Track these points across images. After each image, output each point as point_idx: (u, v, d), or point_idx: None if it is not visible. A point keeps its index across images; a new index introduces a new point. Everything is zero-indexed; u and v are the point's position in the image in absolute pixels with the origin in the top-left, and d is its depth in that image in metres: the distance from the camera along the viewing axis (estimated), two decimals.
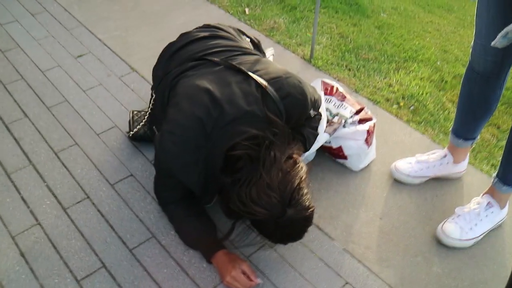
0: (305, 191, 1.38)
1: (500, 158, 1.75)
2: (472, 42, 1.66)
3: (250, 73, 1.53)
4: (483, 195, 1.83)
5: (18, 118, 2.14)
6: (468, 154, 2.01)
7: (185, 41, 1.72)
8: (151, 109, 1.83)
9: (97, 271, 1.58)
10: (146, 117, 1.93)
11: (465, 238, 1.75)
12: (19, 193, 1.81)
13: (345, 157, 1.99)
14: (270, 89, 1.50)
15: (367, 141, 1.95)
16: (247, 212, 1.35)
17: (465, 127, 1.88)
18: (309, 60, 2.68)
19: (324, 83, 2.10)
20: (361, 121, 2.00)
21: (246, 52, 1.69)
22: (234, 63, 1.58)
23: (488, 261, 1.74)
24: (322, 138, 1.89)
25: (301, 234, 1.46)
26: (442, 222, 1.80)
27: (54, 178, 1.87)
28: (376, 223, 1.83)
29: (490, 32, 1.53)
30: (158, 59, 1.76)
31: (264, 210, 1.32)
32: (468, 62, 1.74)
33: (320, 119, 1.80)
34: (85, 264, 1.60)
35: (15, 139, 2.03)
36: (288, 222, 1.35)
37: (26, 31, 2.75)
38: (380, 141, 2.14)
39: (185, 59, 1.63)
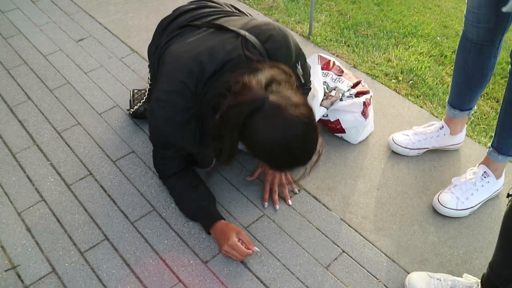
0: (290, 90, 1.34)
1: (496, 126, 1.77)
2: (465, 11, 1.67)
3: (230, 27, 1.52)
4: (478, 165, 1.84)
5: (22, 101, 2.18)
6: (465, 126, 2.03)
7: (175, 14, 1.74)
8: (149, 85, 1.87)
9: (100, 243, 1.63)
10: (146, 94, 1.97)
11: (461, 208, 1.78)
12: (24, 172, 1.86)
13: (343, 131, 2.01)
14: (250, 36, 1.48)
15: (364, 113, 1.97)
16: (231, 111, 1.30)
17: (461, 97, 1.89)
18: (308, 37, 2.70)
19: (321, 58, 2.12)
20: (358, 94, 2.02)
21: (229, 14, 1.69)
22: (216, 23, 1.58)
23: (484, 231, 1.77)
24: (319, 112, 1.92)
25: (306, 149, 1.33)
26: (439, 193, 1.83)
27: (58, 157, 1.92)
28: (373, 193, 1.86)
29: (481, 0, 1.55)
30: (152, 36, 1.79)
31: (245, 97, 1.28)
32: (462, 31, 1.74)
33: (308, 92, 1.82)
34: (89, 237, 1.65)
35: (19, 121, 2.08)
36: (275, 111, 1.26)
37: (28, 18, 2.78)
38: (378, 115, 2.17)
39: (173, 30, 1.66)
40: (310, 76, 1.82)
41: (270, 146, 1.28)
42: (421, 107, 2.27)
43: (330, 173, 1.92)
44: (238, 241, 1.56)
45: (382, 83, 2.39)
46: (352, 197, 1.83)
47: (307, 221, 1.74)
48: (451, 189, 1.81)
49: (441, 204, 1.78)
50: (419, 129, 2.03)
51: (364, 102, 1.97)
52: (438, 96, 2.36)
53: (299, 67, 1.65)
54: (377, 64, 2.53)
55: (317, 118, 1.94)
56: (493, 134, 2.16)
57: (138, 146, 1.97)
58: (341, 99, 1.97)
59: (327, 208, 1.79)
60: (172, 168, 1.70)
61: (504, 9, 1.29)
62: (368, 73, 2.45)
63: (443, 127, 1.98)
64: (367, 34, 2.82)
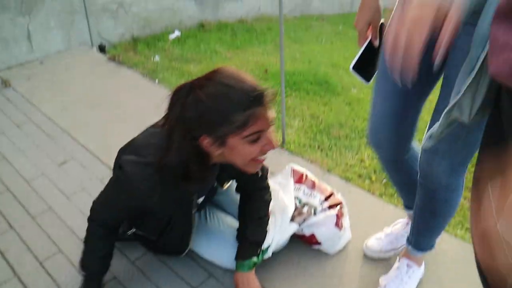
0: None
1: (410, 226, 1.85)
2: (367, 132, 1.72)
3: None
4: (399, 259, 1.91)
5: (3, 231, 2.22)
6: None
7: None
8: None
9: None
10: None
11: None
12: None
13: (319, 243, 2.05)
14: None
15: (338, 225, 2.03)
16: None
17: (409, 198, 1.95)
18: (282, 145, 2.80)
19: (294, 171, 2.21)
20: (331, 207, 2.08)
21: None
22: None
23: None
24: (291, 228, 1.98)
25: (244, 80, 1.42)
26: None
27: None
28: None
29: (383, 122, 1.61)
30: None
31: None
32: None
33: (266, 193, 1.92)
34: None
35: (0, 252, 2.11)
36: (203, 83, 1.41)
37: (12, 143, 2.88)
38: (354, 219, 2.22)
39: None
40: (266, 171, 1.91)
41: (213, 99, 1.37)
42: (396, 205, 2.34)
43: (308, 285, 1.94)
44: None
45: (357, 185, 2.47)
46: None
47: None
48: None
49: None
50: (389, 230, 2.08)
51: (337, 215, 2.03)
52: None
53: None
54: (350, 166, 2.62)
55: (288, 234, 1.99)
56: (468, 225, 2.24)
57: (120, 272, 1.99)
58: (314, 214, 2.04)
59: None
60: (105, 218, 1.76)
61: (422, 147, 1.37)
62: (342, 176, 2.53)
63: (408, 223, 2.03)
64: (339, 136, 2.93)
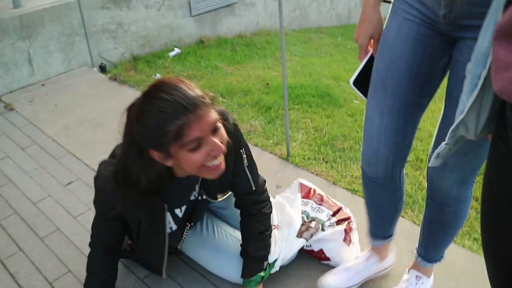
0: None
1: (419, 238, 1.83)
2: (362, 150, 1.67)
3: None
4: (409, 270, 1.89)
5: (13, 253, 2.22)
6: (393, 247, 2.00)
7: None
8: None
9: None
10: None
11: None
12: None
13: (328, 259, 2.04)
14: None
15: (346, 240, 2.03)
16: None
17: (379, 228, 1.89)
18: (287, 158, 2.81)
19: (302, 186, 2.22)
20: (339, 222, 2.08)
21: None
22: None
23: None
24: (298, 243, 1.98)
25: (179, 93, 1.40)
26: None
27: None
28: None
29: (381, 139, 1.56)
30: None
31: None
32: (361, 168, 1.74)
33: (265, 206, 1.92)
34: None
35: (10, 274, 2.11)
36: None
37: (17, 165, 2.90)
38: (361, 231, 2.20)
39: None
40: (262, 184, 1.91)
41: (150, 114, 1.39)
42: (402, 217, 2.33)
43: None
44: None
45: (362, 197, 2.46)
46: None
47: None
48: None
49: None
50: (348, 265, 1.96)
51: (345, 230, 2.03)
52: (418, 203, 2.43)
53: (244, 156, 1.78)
54: (355, 178, 2.62)
55: (296, 249, 2.00)
56: (476, 235, 2.23)
57: None
58: (322, 229, 2.03)
59: None
60: (105, 242, 1.82)
61: (429, 165, 1.35)
62: (348, 188, 2.53)
63: (371, 256, 1.94)
64: (343, 148, 2.94)
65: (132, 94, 3.65)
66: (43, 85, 4.07)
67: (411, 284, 1.85)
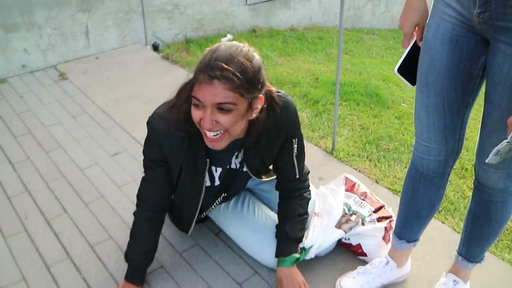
0: None
1: (461, 236, 1.80)
2: (414, 142, 1.67)
3: None
4: (446, 274, 1.87)
5: (58, 214, 2.30)
6: (410, 256, 1.98)
7: None
8: None
9: None
10: None
11: None
12: (57, 285, 1.93)
13: (364, 254, 2.04)
14: None
15: (385, 239, 2.02)
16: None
17: (409, 228, 1.86)
18: (331, 152, 2.81)
19: (347, 180, 2.22)
20: (380, 219, 2.07)
21: None
22: None
23: None
24: (336, 234, 1.98)
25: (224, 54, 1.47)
26: None
27: (90, 271, 1.99)
28: None
29: (431, 135, 1.56)
30: None
31: None
32: (410, 161, 1.73)
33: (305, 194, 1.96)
34: None
35: (55, 233, 2.18)
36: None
37: (68, 132, 2.98)
38: None
39: None
40: (306, 175, 1.95)
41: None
42: (442, 222, 2.31)
43: None
44: None
45: None
46: None
47: None
48: None
49: None
50: (365, 269, 1.95)
51: (385, 228, 2.02)
52: (459, 211, 2.40)
53: (295, 145, 1.82)
54: (398, 179, 2.60)
55: (333, 240, 2.00)
56: None
57: (167, 261, 2.03)
58: (362, 224, 2.03)
59: None
60: (151, 196, 1.82)
61: (487, 161, 1.33)
62: (390, 188, 2.52)
63: (388, 262, 1.92)
64: (388, 148, 2.92)
65: (183, 75, 3.70)
66: (97, 58, 4.17)
67: (448, 287, 1.84)
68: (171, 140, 1.66)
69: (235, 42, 1.50)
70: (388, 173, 2.66)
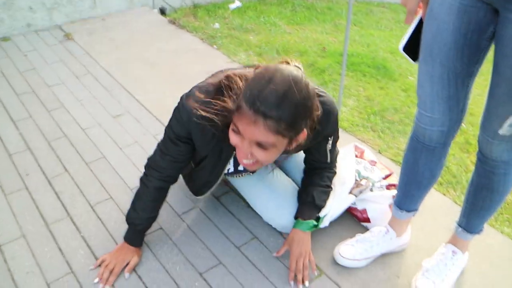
0: None
1: (462, 208, 1.80)
2: (416, 112, 1.64)
3: None
4: (446, 244, 1.87)
5: (59, 173, 2.30)
6: (409, 225, 1.99)
7: None
8: None
9: None
10: None
11: None
12: (57, 243, 1.94)
13: (368, 220, 2.04)
14: None
15: (391, 207, 2.01)
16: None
17: (409, 198, 1.85)
18: None
19: (356, 147, 2.21)
20: (389, 186, 2.07)
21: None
22: None
23: None
24: (348, 200, 1.98)
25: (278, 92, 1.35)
26: (414, 279, 1.83)
27: (89, 230, 2.00)
28: (394, 281, 1.87)
29: (434, 106, 1.54)
30: None
31: None
32: (411, 131, 1.71)
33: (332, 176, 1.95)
34: None
35: (55, 192, 2.18)
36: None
37: (71, 92, 2.97)
38: None
39: None
40: (336, 160, 1.94)
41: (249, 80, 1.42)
42: (444, 195, 2.31)
43: None
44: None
45: None
46: (372, 285, 1.85)
47: None
48: (425, 274, 1.81)
49: None
50: (364, 236, 1.95)
51: (393, 196, 2.01)
52: (461, 184, 2.39)
53: (330, 141, 1.81)
54: (401, 151, 2.59)
55: (345, 206, 2.00)
56: None
57: (165, 222, 2.04)
58: (371, 189, 2.03)
59: None
60: (166, 168, 1.77)
61: (501, 133, 1.31)
62: (393, 159, 2.50)
63: (388, 231, 1.92)
64: (393, 120, 2.90)
65: (189, 39, 3.69)
66: (103, 19, 4.12)
67: (446, 257, 1.83)
68: (202, 132, 1.63)
69: (294, 72, 1.38)
70: (392, 144, 2.65)
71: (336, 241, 1.98)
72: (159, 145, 1.79)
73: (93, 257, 1.88)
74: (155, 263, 1.87)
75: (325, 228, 2.01)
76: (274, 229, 2.03)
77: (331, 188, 1.95)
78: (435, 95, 1.52)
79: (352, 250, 1.90)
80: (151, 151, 2.17)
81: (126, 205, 2.04)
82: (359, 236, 1.96)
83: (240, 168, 1.90)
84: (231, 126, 1.45)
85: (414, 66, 3.84)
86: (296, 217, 1.90)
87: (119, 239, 1.95)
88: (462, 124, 2.88)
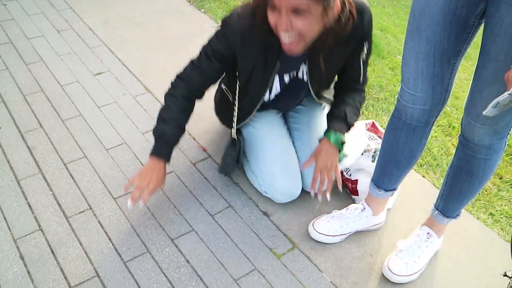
0: None
1: (440, 191, 1.80)
2: (399, 90, 1.60)
3: None
4: (421, 226, 1.87)
5: (33, 128, 2.23)
6: (386, 205, 1.99)
7: None
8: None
9: (91, 279, 1.64)
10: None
11: (411, 273, 1.79)
12: (26, 199, 1.89)
13: (356, 193, 2.05)
14: None
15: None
16: None
17: (387, 177, 1.84)
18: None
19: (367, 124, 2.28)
20: None
21: None
22: None
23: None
24: (361, 159, 2.05)
25: None
26: (387, 258, 1.83)
27: (61, 188, 1.95)
28: (366, 259, 1.86)
29: (418, 83, 1.51)
30: None
31: None
32: (393, 109, 1.69)
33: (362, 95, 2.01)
34: (80, 272, 1.66)
35: (28, 147, 2.12)
36: None
37: (51, 46, 2.87)
38: None
39: None
40: (366, 82, 1.99)
41: None
42: (423, 176, 2.30)
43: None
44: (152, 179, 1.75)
45: None
46: (345, 261, 1.84)
47: (297, 280, 1.74)
48: (398, 254, 1.82)
49: (392, 272, 1.78)
50: (340, 213, 1.95)
51: None
52: (441, 167, 2.38)
53: (365, 48, 1.85)
54: (384, 129, 2.56)
55: (360, 151, 2.07)
56: (493, 211, 2.19)
57: None
58: (372, 160, 2.03)
59: (319, 269, 1.79)
60: (195, 80, 1.81)
61: (484, 113, 1.28)
62: None
63: (364, 208, 1.92)
64: (378, 98, 2.87)
65: (177, 1, 3.58)
66: None
67: (420, 239, 1.83)
68: (247, 41, 1.69)
69: None
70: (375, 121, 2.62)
71: (310, 216, 1.96)
72: (192, 60, 1.83)
73: (63, 215, 1.84)
74: (126, 225, 1.84)
75: (299, 201, 2.00)
76: (249, 198, 2.00)
77: (360, 112, 1.97)
78: (420, 72, 1.48)
79: (328, 225, 1.89)
80: (129, 112, 2.12)
81: (100, 164, 2.01)
82: (335, 212, 1.94)
83: (277, 90, 1.92)
84: (268, 8, 1.53)
85: (403, 45, 3.81)
86: (329, 128, 1.90)
87: (91, 199, 1.91)
88: (446, 107, 2.88)
